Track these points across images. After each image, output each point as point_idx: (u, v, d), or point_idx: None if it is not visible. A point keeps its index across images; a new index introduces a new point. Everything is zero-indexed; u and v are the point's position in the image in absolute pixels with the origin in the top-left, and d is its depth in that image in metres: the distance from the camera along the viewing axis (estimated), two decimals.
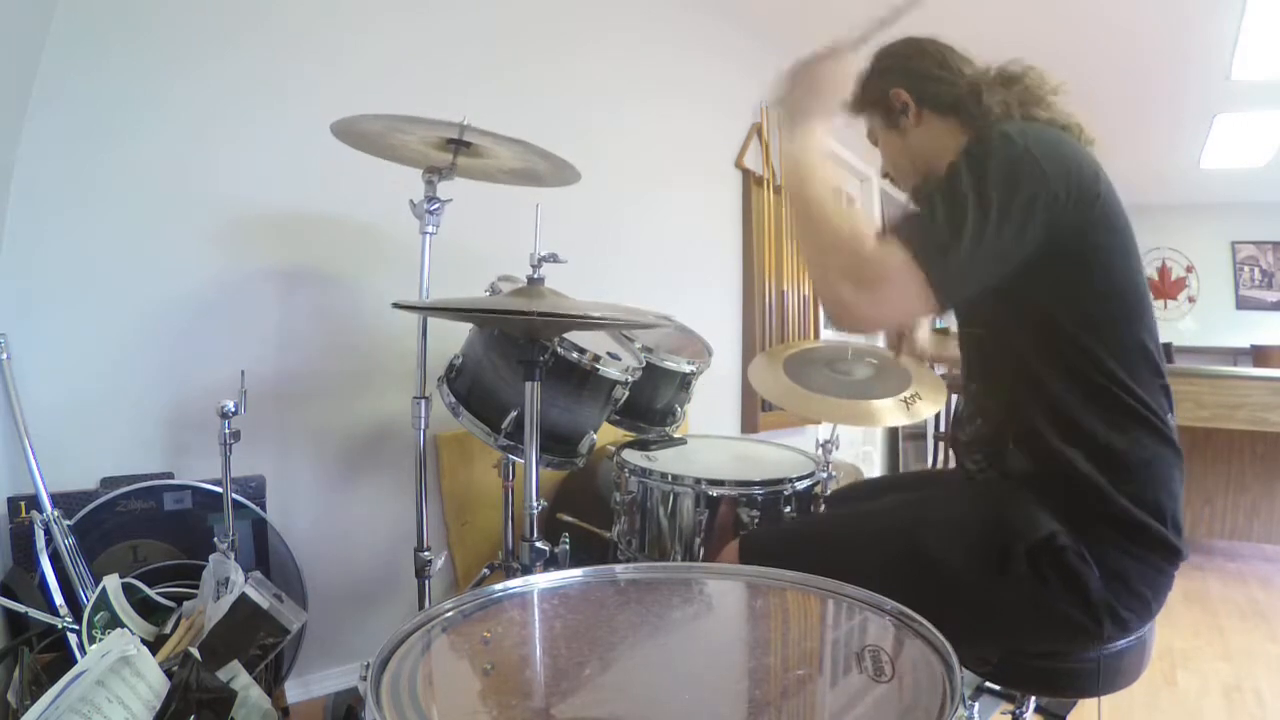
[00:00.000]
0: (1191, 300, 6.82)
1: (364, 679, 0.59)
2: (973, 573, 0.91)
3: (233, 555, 1.28)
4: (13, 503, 1.28)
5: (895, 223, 0.87)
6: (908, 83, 1.08)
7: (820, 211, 0.90)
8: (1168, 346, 4.80)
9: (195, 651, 1.05)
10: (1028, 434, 0.93)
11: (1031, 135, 0.89)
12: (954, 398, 1.97)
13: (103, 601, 1.16)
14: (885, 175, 1.22)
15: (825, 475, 1.43)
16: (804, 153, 0.97)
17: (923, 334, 1.45)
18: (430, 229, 1.40)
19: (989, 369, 1.04)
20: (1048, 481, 0.91)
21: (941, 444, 4.57)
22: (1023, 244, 0.85)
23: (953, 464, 1.22)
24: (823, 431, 2.91)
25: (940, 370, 1.75)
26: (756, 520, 1.33)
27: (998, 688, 1.47)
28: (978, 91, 1.02)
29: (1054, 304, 0.91)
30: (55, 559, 1.19)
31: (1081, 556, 0.87)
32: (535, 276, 1.26)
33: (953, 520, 0.96)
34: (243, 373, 1.35)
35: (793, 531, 1.23)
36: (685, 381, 1.72)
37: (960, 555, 0.92)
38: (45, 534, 1.19)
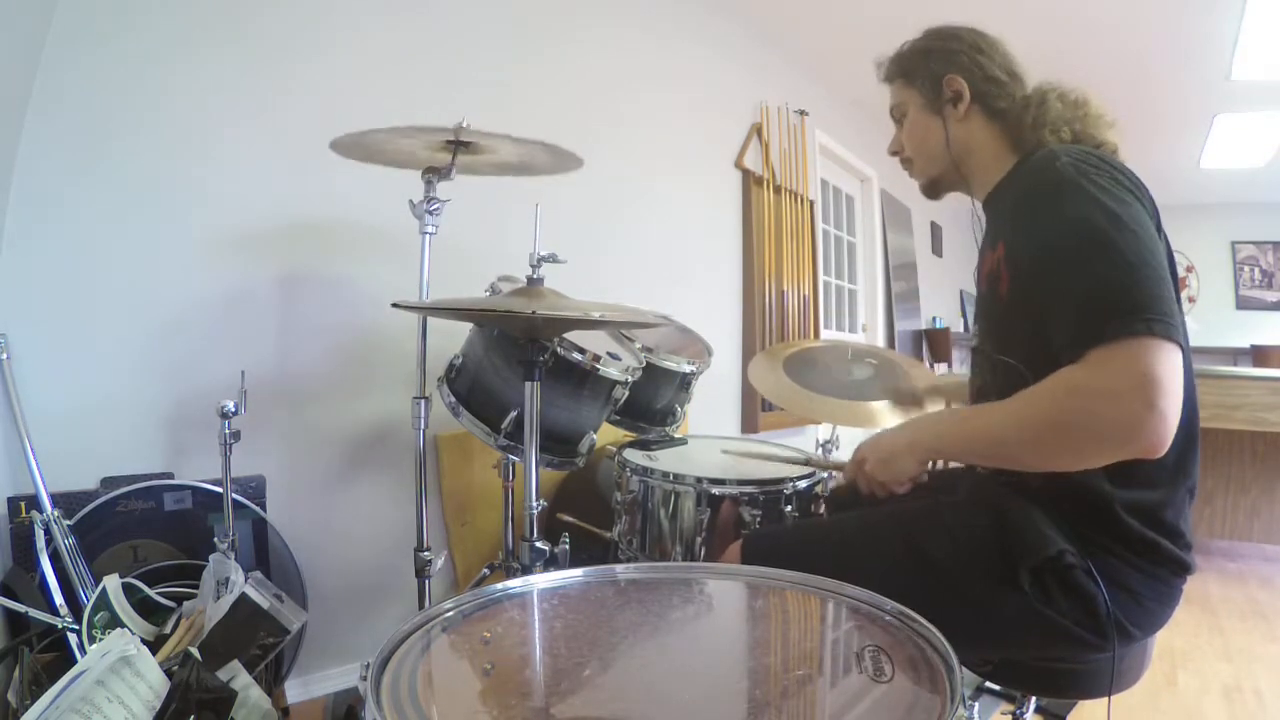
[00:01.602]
0: (1191, 300, 6.83)
1: (364, 679, 0.58)
2: (976, 582, 0.90)
3: (233, 555, 1.28)
4: (13, 503, 1.28)
5: (1059, 335, 0.80)
6: (968, 74, 1.04)
7: (1005, 438, 0.84)
8: None
9: (195, 651, 1.05)
10: None
11: (1098, 157, 0.88)
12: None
13: (103, 601, 1.16)
14: (895, 154, 1.17)
15: (826, 475, 1.43)
16: (928, 449, 0.94)
17: (922, 376, 1.43)
18: (430, 229, 1.40)
19: (1009, 387, 0.96)
20: (1059, 496, 0.89)
21: None
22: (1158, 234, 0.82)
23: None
24: (823, 431, 2.91)
25: (940, 370, 1.75)
26: (758, 520, 1.33)
27: (998, 688, 1.48)
28: (1042, 101, 1.00)
29: None
30: (55, 559, 1.19)
31: (1090, 574, 0.86)
32: (535, 276, 1.26)
33: (958, 527, 0.95)
34: (243, 373, 1.35)
35: (795, 532, 1.23)
36: (685, 381, 1.71)
37: (964, 564, 0.91)
38: (45, 534, 1.19)
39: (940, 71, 1.06)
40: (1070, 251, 0.81)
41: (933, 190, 1.15)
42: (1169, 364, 0.73)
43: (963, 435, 0.92)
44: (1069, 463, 0.81)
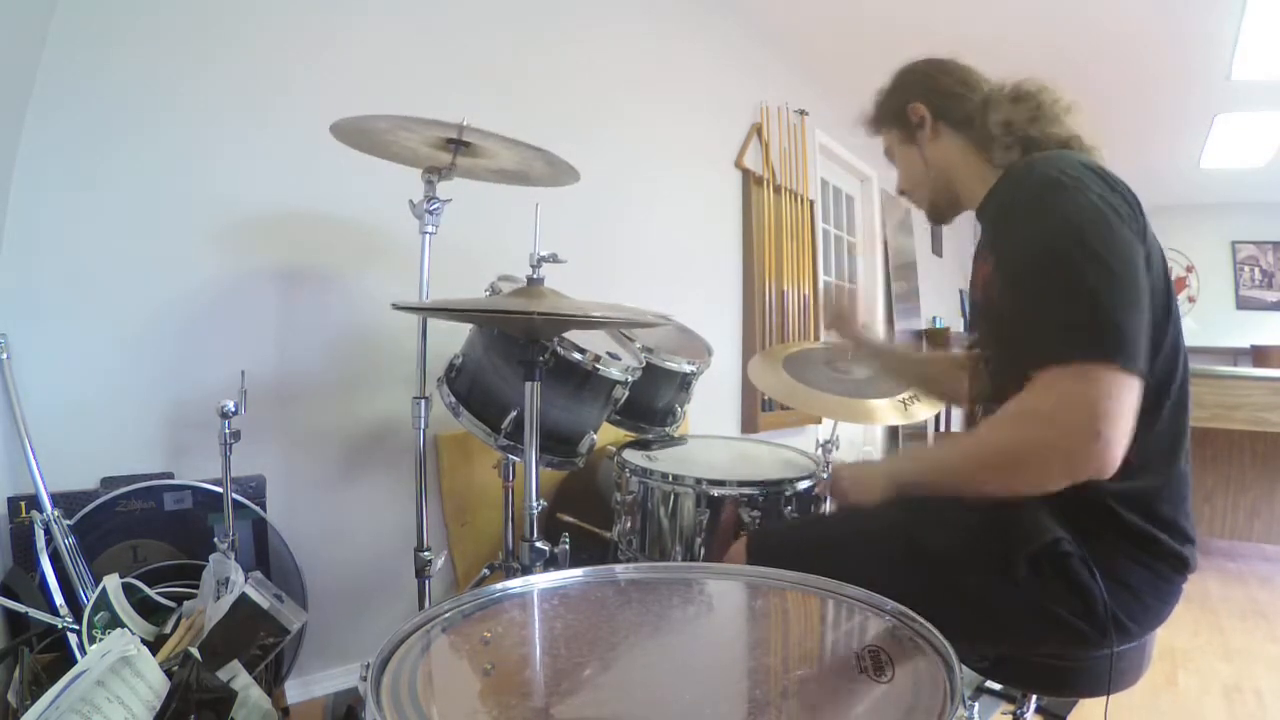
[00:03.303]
0: (1191, 300, 6.82)
1: (364, 679, 0.59)
2: (974, 573, 0.91)
3: (233, 555, 1.28)
4: (13, 503, 1.28)
5: (1016, 359, 0.82)
6: (927, 98, 1.10)
7: (962, 465, 0.88)
8: None
9: (195, 651, 1.05)
10: None
11: (1076, 162, 0.88)
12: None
13: (103, 601, 1.16)
14: (901, 193, 1.22)
15: (825, 476, 1.43)
16: (896, 477, 0.97)
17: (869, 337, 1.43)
18: (430, 229, 1.40)
19: (1006, 386, 0.97)
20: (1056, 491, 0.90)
21: None
22: (1149, 266, 0.82)
23: None
24: (823, 431, 2.91)
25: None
26: (757, 520, 1.33)
27: (998, 687, 1.48)
28: (986, 104, 1.03)
29: None
30: (55, 559, 1.19)
31: (1086, 563, 0.86)
32: (535, 276, 1.26)
33: (956, 519, 0.95)
34: (243, 373, 1.35)
35: (801, 529, 1.24)
36: (685, 382, 1.71)
37: (962, 556, 0.92)
38: (45, 534, 1.19)
39: (902, 103, 1.12)
40: (1035, 269, 0.83)
41: (936, 215, 1.18)
42: (1115, 389, 0.74)
43: (930, 468, 0.96)
44: (1025, 487, 0.82)
